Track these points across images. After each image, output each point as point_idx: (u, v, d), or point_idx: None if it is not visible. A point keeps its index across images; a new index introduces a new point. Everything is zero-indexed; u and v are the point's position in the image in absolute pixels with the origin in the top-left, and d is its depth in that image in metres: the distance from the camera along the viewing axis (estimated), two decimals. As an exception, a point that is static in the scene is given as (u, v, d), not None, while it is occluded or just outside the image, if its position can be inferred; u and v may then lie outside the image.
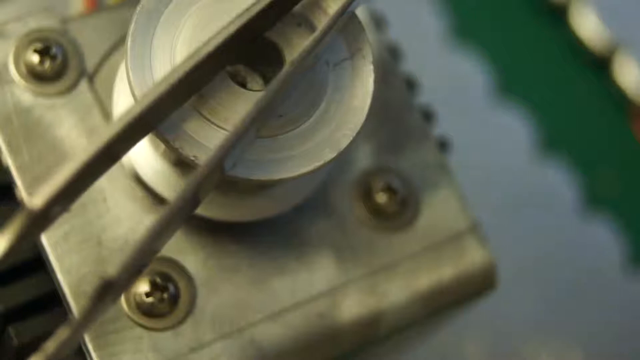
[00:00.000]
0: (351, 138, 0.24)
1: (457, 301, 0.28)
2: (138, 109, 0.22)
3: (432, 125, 0.29)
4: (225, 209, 0.26)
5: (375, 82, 0.25)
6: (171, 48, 0.24)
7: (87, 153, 0.21)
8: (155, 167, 0.26)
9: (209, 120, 0.24)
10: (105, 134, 0.22)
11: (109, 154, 0.22)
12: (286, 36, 0.24)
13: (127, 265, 0.21)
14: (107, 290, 0.20)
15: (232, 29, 0.23)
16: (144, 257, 0.21)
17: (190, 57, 0.23)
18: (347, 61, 0.25)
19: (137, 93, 0.23)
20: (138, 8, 0.24)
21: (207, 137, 0.23)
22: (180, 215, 0.22)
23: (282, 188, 0.26)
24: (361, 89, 0.25)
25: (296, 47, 0.24)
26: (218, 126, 0.24)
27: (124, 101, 0.26)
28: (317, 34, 0.24)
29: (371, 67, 0.25)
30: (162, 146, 0.25)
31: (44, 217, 0.21)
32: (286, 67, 0.23)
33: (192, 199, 0.22)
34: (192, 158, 0.23)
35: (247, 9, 0.24)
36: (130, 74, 0.24)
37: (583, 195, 0.43)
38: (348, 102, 0.25)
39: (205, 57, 0.23)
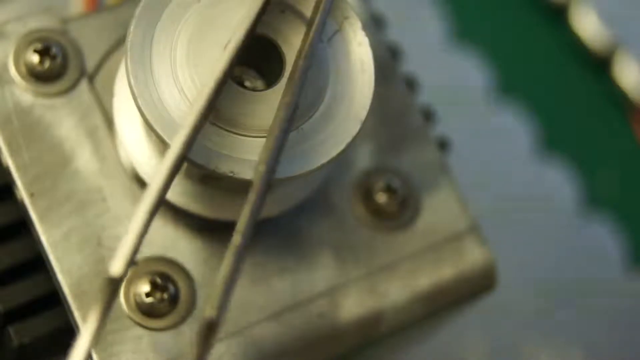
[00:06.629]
0: (368, 107, 0.24)
1: (457, 301, 0.28)
2: (174, 155, 0.22)
3: (432, 125, 0.29)
4: (225, 208, 0.26)
5: (372, 47, 0.25)
6: (171, 68, 0.24)
7: (144, 212, 0.22)
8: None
9: (229, 131, 0.24)
10: (153, 189, 0.22)
11: (158, 204, 0.22)
12: (275, 27, 0.24)
13: (220, 303, 0.21)
14: (211, 331, 0.21)
15: (238, 38, 0.23)
16: (233, 288, 0.22)
17: (207, 84, 0.23)
18: (338, 33, 0.25)
19: (156, 128, 0.23)
20: (128, 43, 0.24)
21: (235, 149, 0.23)
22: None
23: (284, 187, 0.26)
24: (360, 56, 0.25)
25: (289, 35, 0.24)
26: (240, 134, 0.24)
27: (124, 101, 0.26)
28: (317, 20, 0.24)
29: (362, 32, 0.25)
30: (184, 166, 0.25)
31: (122, 280, 0.22)
32: (300, 62, 0.23)
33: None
34: (230, 174, 0.23)
35: (246, 15, 0.24)
36: (141, 105, 0.23)
37: (583, 196, 0.43)
38: (352, 72, 0.25)
39: (221, 77, 0.23)
